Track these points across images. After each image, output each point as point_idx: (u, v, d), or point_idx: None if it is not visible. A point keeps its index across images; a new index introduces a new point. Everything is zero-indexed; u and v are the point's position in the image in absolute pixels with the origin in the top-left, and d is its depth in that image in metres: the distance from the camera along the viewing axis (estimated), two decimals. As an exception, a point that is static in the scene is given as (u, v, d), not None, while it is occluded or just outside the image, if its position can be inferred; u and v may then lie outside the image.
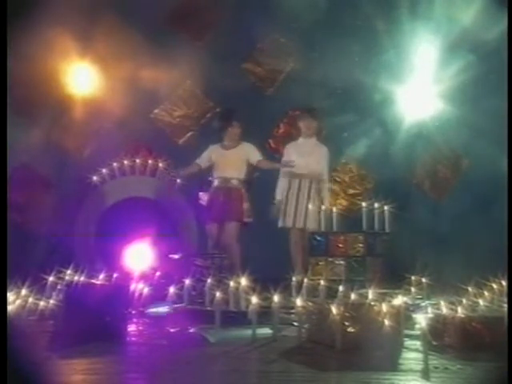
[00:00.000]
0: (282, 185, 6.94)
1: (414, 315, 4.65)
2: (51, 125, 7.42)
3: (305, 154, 6.88)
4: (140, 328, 5.01)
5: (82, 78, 7.61)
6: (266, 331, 4.59)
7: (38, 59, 6.93)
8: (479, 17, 7.19)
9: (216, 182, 6.88)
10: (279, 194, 6.92)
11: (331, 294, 5.34)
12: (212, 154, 6.93)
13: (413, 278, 5.78)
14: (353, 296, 4.71)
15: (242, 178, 6.86)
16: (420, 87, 7.74)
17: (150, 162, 7.35)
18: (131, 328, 4.87)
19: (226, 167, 6.85)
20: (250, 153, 6.89)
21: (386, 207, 6.25)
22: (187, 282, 5.40)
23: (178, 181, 7.23)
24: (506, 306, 4.22)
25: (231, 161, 6.87)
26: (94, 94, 7.66)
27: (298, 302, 4.65)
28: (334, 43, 7.50)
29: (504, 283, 5.17)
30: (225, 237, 6.71)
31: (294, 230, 6.77)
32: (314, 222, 6.52)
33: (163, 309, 5.38)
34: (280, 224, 6.83)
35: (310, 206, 6.63)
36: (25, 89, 6.94)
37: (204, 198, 6.98)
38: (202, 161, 6.95)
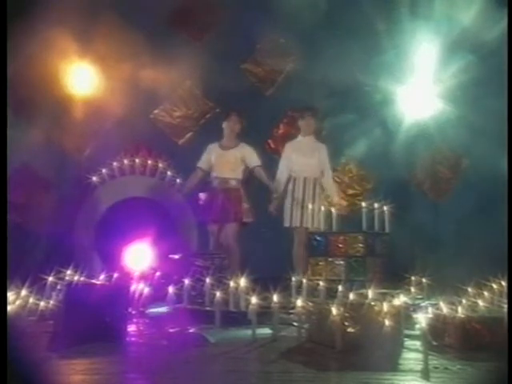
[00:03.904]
0: (280, 178, 6.91)
1: (413, 315, 4.63)
2: (51, 125, 7.40)
3: (306, 153, 6.91)
4: (140, 328, 5.01)
5: (81, 78, 7.59)
6: (265, 331, 4.59)
7: (37, 59, 6.92)
8: (479, 17, 7.19)
9: (215, 183, 6.88)
10: (278, 189, 6.88)
11: (331, 294, 5.34)
12: (211, 154, 6.94)
13: (413, 278, 5.78)
14: (352, 296, 4.71)
15: (240, 179, 6.88)
16: (420, 87, 7.73)
17: (149, 162, 7.34)
18: (131, 328, 4.87)
19: (224, 168, 6.86)
20: (248, 155, 6.90)
21: (385, 207, 6.26)
22: (187, 282, 5.39)
23: (178, 181, 7.23)
24: (505, 306, 4.22)
25: (229, 161, 6.87)
26: (93, 94, 7.64)
27: (298, 302, 4.65)
28: (333, 43, 7.51)
29: (504, 283, 5.17)
30: (224, 237, 6.73)
31: (299, 229, 6.74)
32: (320, 221, 6.50)
33: (163, 309, 5.37)
34: (286, 224, 6.82)
35: (316, 206, 6.63)
36: (24, 89, 6.93)
37: (203, 198, 6.98)
38: (204, 164, 6.96)
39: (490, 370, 3.53)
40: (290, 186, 6.89)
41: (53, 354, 3.91)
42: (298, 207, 6.76)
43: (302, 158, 6.88)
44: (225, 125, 6.92)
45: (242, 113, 6.98)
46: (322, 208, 6.49)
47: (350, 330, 4.00)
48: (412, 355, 3.94)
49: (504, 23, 5.97)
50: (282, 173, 6.95)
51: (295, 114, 7.74)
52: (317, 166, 6.91)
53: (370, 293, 4.71)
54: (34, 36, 6.53)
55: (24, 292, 5.07)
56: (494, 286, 5.17)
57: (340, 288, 5.34)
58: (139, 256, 6.60)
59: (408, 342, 4.22)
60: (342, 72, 7.27)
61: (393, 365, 3.70)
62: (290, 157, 6.96)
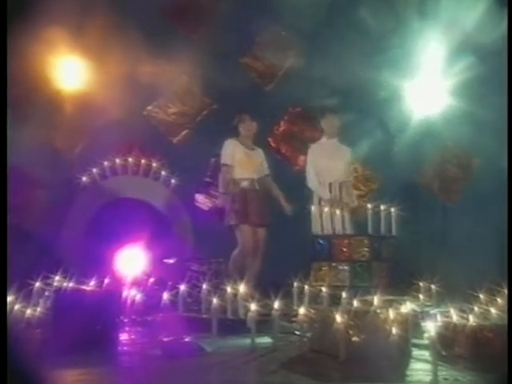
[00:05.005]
0: (314, 185, 6.90)
1: (422, 323, 4.64)
2: (40, 123, 7.40)
3: (332, 158, 6.88)
4: (132, 337, 5.01)
5: (72, 73, 7.59)
6: (265, 340, 4.59)
7: (27, 55, 6.92)
8: (485, 17, 7.26)
9: (245, 184, 6.75)
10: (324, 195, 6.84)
11: (335, 300, 5.35)
12: (235, 151, 6.80)
13: (421, 284, 5.79)
14: (357, 303, 4.71)
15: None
16: (427, 85, 7.78)
17: (142, 161, 7.35)
18: (123, 337, 4.87)
19: (252, 168, 6.81)
20: (263, 161, 6.92)
21: (392, 209, 6.26)
22: (182, 288, 5.40)
23: (173, 181, 7.23)
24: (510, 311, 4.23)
25: (256, 162, 6.85)
26: (85, 90, 7.64)
27: (300, 309, 4.65)
28: (337, 38, 7.52)
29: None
30: (256, 241, 6.71)
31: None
32: (346, 228, 6.49)
33: (157, 317, 5.37)
34: (315, 231, 6.69)
35: (343, 212, 6.60)
36: (15, 87, 6.93)
37: (199, 199, 6.97)
38: (229, 160, 6.76)
39: (502, 381, 3.52)
40: (315, 192, 6.86)
41: (41, 364, 3.90)
42: (327, 213, 6.66)
43: (327, 161, 6.85)
44: (241, 127, 6.86)
45: (252, 112, 6.95)
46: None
47: (354, 338, 3.99)
48: (420, 366, 3.93)
49: (504, 23, 6.07)
50: (311, 180, 6.88)
51: (296, 112, 7.78)
52: (342, 170, 6.90)
53: (376, 299, 4.72)
54: (25, 31, 6.53)
55: (10, 298, 5.06)
56: (507, 292, 5.16)
57: (344, 294, 5.34)
58: (132, 260, 6.60)
59: (416, 352, 4.21)
60: (346, 68, 7.29)
61: (400, 376, 3.69)
62: (315, 160, 6.91)
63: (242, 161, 6.77)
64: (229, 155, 6.76)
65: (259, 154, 6.93)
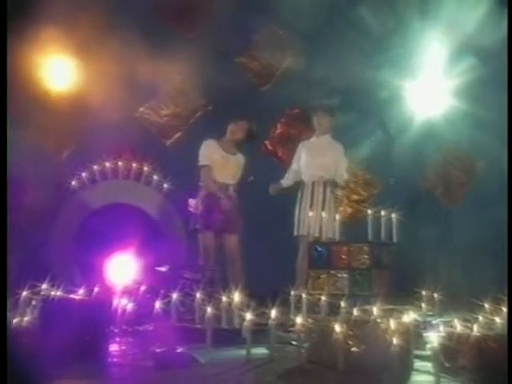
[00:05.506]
0: (289, 175, 7.10)
1: (424, 334, 4.63)
2: (27, 124, 7.38)
3: (317, 154, 6.93)
4: (123, 347, 4.98)
5: (65, 73, 7.58)
6: (261, 351, 4.57)
7: (25, 55, 6.92)
8: (487, 17, 7.30)
9: (214, 187, 6.82)
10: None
11: (333, 310, 5.34)
12: (212, 153, 6.88)
13: (423, 292, 5.77)
14: (357, 312, 4.70)
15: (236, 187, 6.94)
16: (428, 85, 7.80)
17: (134, 165, 7.32)
18: (114, 347, 4.85)
19: (226, 172, 6.87)
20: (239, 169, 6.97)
21: (393, 215, 6.25)
22: (175, 296, 5.37)
23: (165, 185, 7.21)
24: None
25: (232, 166, 6.91)
26: (73, 90, 7.62)
27: (297, 319, 4.63)
28: (336, 37, 7.53)
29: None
30: (229, 250, 6.71)
31: (305, 239, 6.70)
32: (330, 230, 6.52)
33: (148, 326, 5.35)
34: (295, 232, 6.81)
35: (325, 213, 6.63)
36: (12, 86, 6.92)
37: (193, 204, 6.96)
38: (208, 160, 6.85)
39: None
40: (299, 192, 6.90)
41: (28, 375, 3.88)
42: (305, 214, 6.73)
43: (313, 159, 6.92)
44: (229, 128, 6.91)
45: (253, 121, 6.98)
46: (333, 216, 6.51)
47: (353, 349, 3.98)
48: (422, 378, 3.92)
49: (504, 23, 6.12)
50: (291, 170, 7.08)
51: (294, 114, 7.79)
52: (328, 168, 6.94)
53: (376, 309, 4.70)
54: (24, 31, 6.53)
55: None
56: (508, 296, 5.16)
57: (343, 303, 5.33)
58: (122, 268, 6.58)
59: (418, 363, 4.20)
60: (345, 68, 7.30)
61: (401, 388, 3.68)
62: (300, 156, 7.04)
63: (217, 163, 6.81)
64: (205, 156, 6.85)
65: (237, 160, 6.96)
